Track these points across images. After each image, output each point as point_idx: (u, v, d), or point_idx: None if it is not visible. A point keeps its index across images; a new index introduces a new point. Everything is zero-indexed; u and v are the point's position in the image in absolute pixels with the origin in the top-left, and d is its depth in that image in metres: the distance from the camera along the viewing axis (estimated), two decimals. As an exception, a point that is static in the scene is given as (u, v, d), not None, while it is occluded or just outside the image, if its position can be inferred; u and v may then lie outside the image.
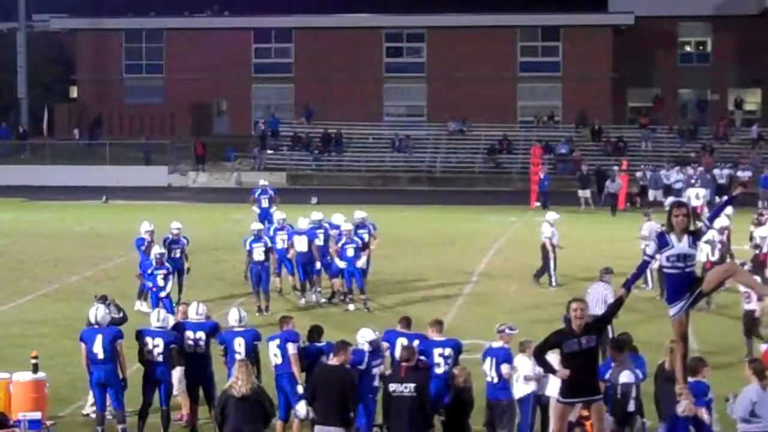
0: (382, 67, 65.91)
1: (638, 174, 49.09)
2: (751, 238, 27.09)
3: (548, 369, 12.25)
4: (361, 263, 24.22)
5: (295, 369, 14.72)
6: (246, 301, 23.54)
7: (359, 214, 25.60)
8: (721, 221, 25.93)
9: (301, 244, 24.82)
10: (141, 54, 68.24)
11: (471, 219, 42.03)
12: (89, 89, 68.07)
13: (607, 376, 13.36)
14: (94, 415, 15.65)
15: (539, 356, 12.24)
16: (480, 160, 59.87)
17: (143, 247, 24.06)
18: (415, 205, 47.53)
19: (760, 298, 19.56)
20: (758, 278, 19.11)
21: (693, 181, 45.57)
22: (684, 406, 12.26)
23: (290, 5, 64.84)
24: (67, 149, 62.39)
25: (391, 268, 29.06)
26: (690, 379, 12.58)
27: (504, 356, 14.56)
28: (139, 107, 65.71)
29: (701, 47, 67.76)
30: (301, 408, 13.80)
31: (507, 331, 14.85)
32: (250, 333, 15.44)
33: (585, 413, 12.93)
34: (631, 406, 13.57)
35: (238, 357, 14.74)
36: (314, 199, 43.89)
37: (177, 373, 15.68)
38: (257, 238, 24.10)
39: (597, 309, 17.52)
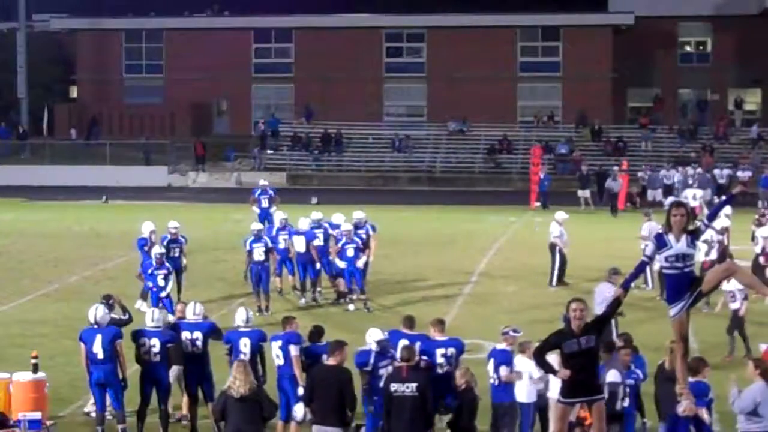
0: (382, 67, 65.92)
1: (639, 174, 49.11)
2: (753, 238, 27.08)
3: (548, 369, 12.25)
4: (361, 263, 24.23)
5: (297, 371, 14.70)
6: (246, 302, 23.48)
7: (358, 214, 25.59)
8: (722, 222, 25.96)
9: (299, 244, 24.84)
10: (141, 54, 68.25)
11: (471, 219, 42.03)
12: (89, 89, 68.08)
13: None
14: (94, 414, 15.65)
15: (539, 357, 12.23)
16: (480, 160, 59.87)
17: (146, 248, 24.05)
18: (415, 205, 47.53)
19: (747, 298, 19.76)
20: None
21: (691, 181, 45.57)
22: (684, 406, 12.26)
23: (290, 5, 64.86)
24: (67, 149, 62.39)
25: (391, 268, 29.05)
26: (690, 379, 12.59)
27: (503, 358, 14.54)
28: (139, 107, 65.74)
29: (701, 47, 67.76)
30: (299, 410, 13.80)
31: (511, 333, 14.82)
32: (256, 333, 15.42)
33: (583, 414, 12.93)
34: (619, 405, 13.57)
35: (243, 357, 14.76)
36: (314, 199, 43.89)
37: (174, 372, 15.71)
38: (257, 238, 24.10)
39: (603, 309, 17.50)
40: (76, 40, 68.47)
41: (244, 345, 15.18)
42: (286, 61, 66.57)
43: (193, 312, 15.93)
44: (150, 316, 15.70)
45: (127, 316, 16.47)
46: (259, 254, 23.86)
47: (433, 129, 62.94)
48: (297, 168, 59.79)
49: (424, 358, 14.41)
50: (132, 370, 15.63)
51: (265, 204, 32.70)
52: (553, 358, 12.19)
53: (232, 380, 12.71)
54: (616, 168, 47.45)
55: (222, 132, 66.46)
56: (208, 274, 28.38)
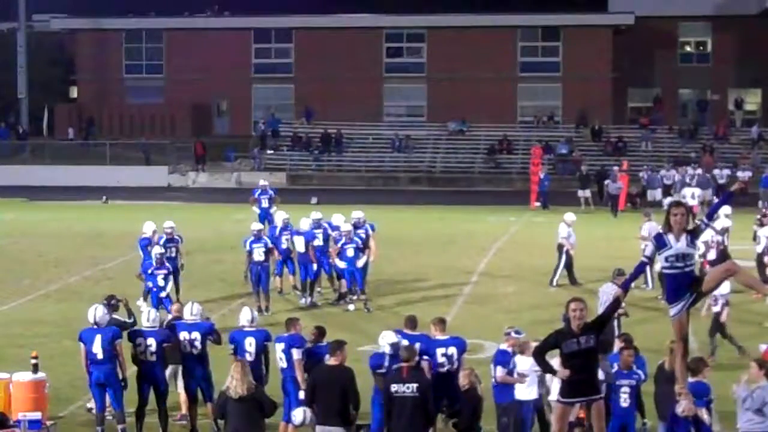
0: (382, 67, 65.93)
1: (640, 174, 49.09)
2: (755, 238, 27.07)
3: (548, 369, 12.24)
4: (361, 263, 24.22)
5: (299, 374, 14.69)
6: (246, 302, 23.47)
7: (356, 213, 25.58)
8: (722, 222, 25.96)
9: (299, 244, 24.86)
10: (141, 54, 68.28)
11: (471, 219, 42.03)
12: (89, 89, 68.09)
13: None
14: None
15: (539, 357, 12.23)
16: (480, 161, 59.86)
17: (149, 247, 24.05)
18: (415, 205, 47.52)
19: (728, 303, 19.76)
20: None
21: (688, 180, 45.55)
22: (684, 407, 12.26)
23: (290, 5, 64.88)
24: (67, 149, 62.42)
25: (391, 268, 29.04)
26: (690, 380, 12.59)
27: (500, 359, 14.53)
28: (139, 107, 65.77)
29: (701, 47, 67.77)
30: (298, 415, 13.79)
31: (512, 334, 14.80)
32: (261, 333, 15.42)
33: (582, 415, 12.93)
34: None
35: (248, 357, 14.78)
36: (314, 199, 43.89)
37: (170, 371, 15.73)
38: (257, 238, 24.10)
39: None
40: (76, 40, 68.51)
41: (249, 345, 15.17)
42: (286, 61, 66.58)
43: (191, 312, 15.91)
44: (146, 316, 15.72)
45: (132, 320, 16.48)
46: (259, 254, 23.85)
47: (433, 129, 62.94)
48: (297, 168, 59.80)
49: (426, 358, 14.41)
50: (132, 371, 15.63)
51: (265, 204, 32.74)
52: (555, 361, 12.19)
53: (230, 380, 12.71)
54: (615, 168, 47.44)
55: (222, 132, 66.49)
56: (208, 274, 28.37)
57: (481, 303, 25.34)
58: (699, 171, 47.64)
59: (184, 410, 16.01)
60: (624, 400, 14.14)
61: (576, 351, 11.78)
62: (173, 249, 24.39)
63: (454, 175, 58.79)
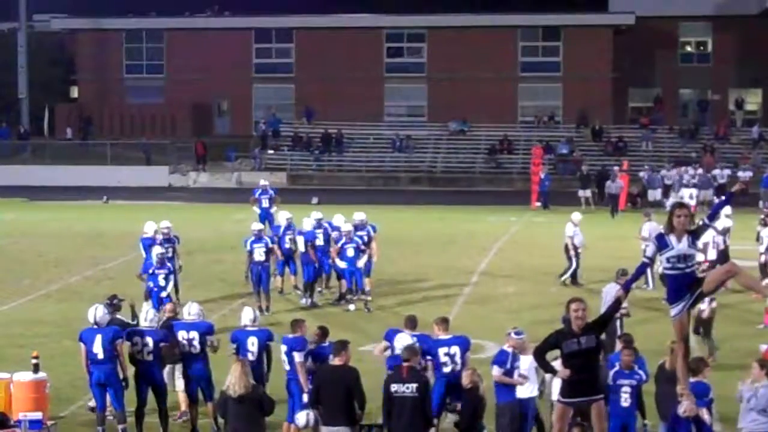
0: (383, 67, 65.92)
1: (641, 174, 49.10)
2: (758, 238, 27.04)
3: (548, 369, 12.24)
4: (361, 263, 24.22)
5: (302, 377, 14.68)
6: (246, 302, 23.47)
7: (358, 215, 25.56)
8: (724, 222, 25.94)
9: (300, 244, 24.89)
10: (141, 54, 68.28)
11: (471, 219, 42.03)
12: (89, 89, 68.10)
13: None
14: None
15: (539, 357, 12.23)
16: (480, 161, 59.86)
17: (152, 247, 24.01)
18: (415, 205, 47.53)
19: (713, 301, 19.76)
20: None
21: (686, 180, 45.55)
22: (685, 407, 12.26)
23: (290, 5, 64.88)
24: (68, 149, 62.42)
25: (391, 268, 29.03)
26: (691, 380, 12.59)
27: (498, 359, 14.51)
28: (139, 107, 65.78)
29: (702, 47, 67.76)
30: (302, 418, 13.79)
31: (513, 335, 14.77)
32: (263, 333, 15.43)
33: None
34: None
35: (250, 356, 14.79)
36: (315, 199, 43.88)
37: (167, 371, 15.74)
38: (258, 238, 24.10)
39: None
40: (76, 40, 68.50)
41: (252, 344, 15.18)
42: (286, 61, 66.58)
43: (189, 312, 15.91)
44: (144, 316, 15.72)
45: (135, 322, 16.48)
46: (259, 254, 23.85)
47: (434, 129, 62.94)
48: (297, 168, 59.80)
49: (428, 358, 14.39)
50: (132, 370, 15.62)
51: (265, 204, 32.75)
52: (557, 363, 12.19)
53: (229, 379, 12.70)
54: (615, 168, 47.45)
55: (222, 132, 66.50)
56: (209, 274, 28.38)
57: (482, 303, 25.35)
58: (700, 171, 47.66)
59: (183, 408, 16.02)
60: (624, 399, 14.14)
61: (576, 351, 11.78)
62: (170, 249, 24.37)
63: (455, 175, 58.79)
